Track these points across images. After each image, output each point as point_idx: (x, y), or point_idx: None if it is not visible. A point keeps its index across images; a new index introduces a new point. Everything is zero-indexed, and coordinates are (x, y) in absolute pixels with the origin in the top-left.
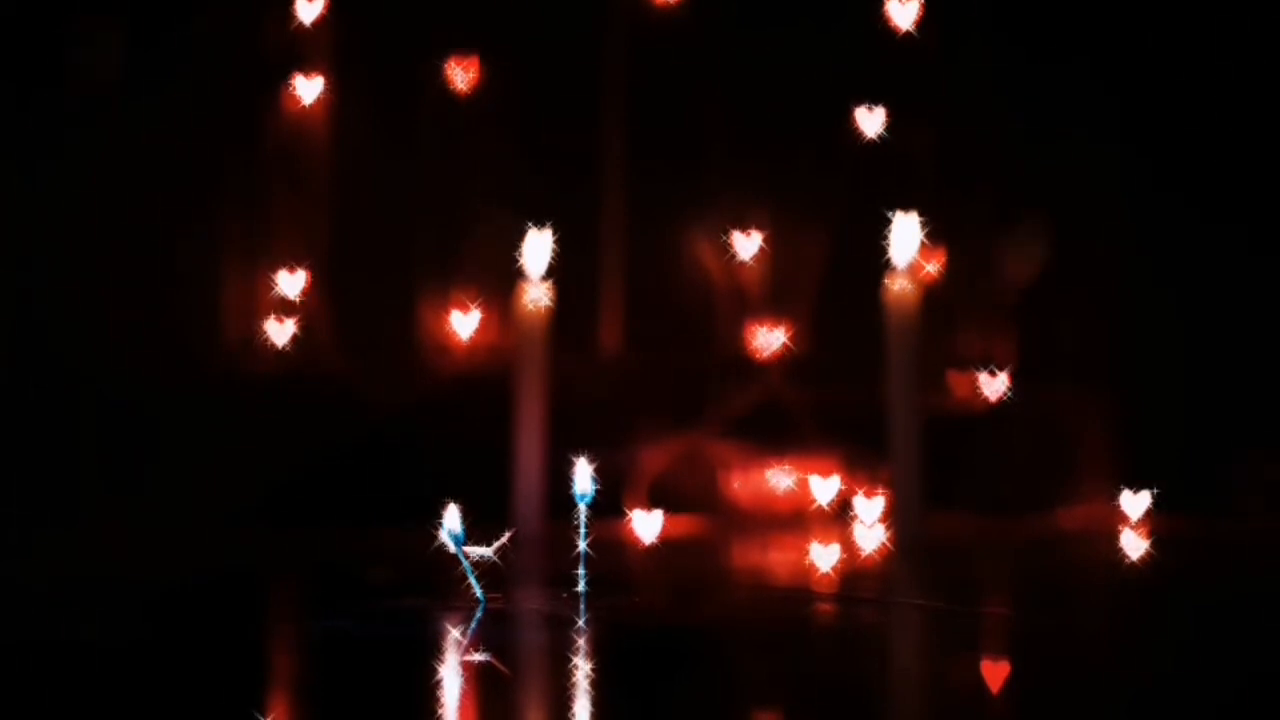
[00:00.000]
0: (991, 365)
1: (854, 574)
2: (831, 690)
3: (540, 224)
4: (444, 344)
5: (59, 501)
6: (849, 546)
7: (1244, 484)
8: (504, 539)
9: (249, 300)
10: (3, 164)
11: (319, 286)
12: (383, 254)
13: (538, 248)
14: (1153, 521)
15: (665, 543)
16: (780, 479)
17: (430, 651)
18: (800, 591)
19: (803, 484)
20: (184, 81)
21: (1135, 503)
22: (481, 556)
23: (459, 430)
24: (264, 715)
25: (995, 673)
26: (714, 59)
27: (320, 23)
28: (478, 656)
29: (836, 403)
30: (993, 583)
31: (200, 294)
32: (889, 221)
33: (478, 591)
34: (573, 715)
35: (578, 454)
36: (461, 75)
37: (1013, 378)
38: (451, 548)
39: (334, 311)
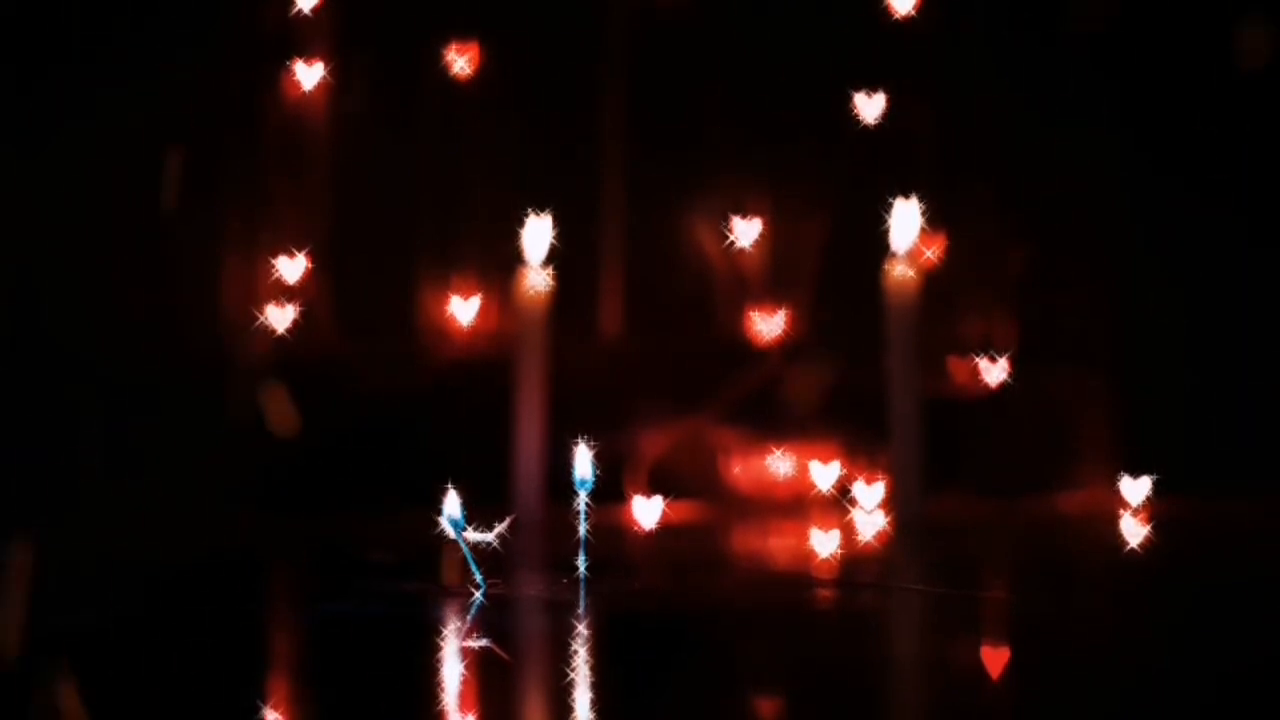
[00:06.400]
0: (992, 350)
1: (854, 559)
2: (831, 674)
3: (540, 210)
4: (444, 330)
5: (59, 485)
6: (849, 532)
7: (1244, 467)
8: (504, 524)
9: (249, 285)
10: (1, 147)
11: (319, 272)
12: (383, 240)
13: (538, 234)
14: (1153, 505)
15: (665, 528)
16: (780, 464)
17: (430, 636)
18: (800, 577)
19: (803, 469)
20: (184, 67)
21: (1135, 487)
22: (481, 542)
23: (459, 415)
24: (265, 697)
25: (995, 657)
26: (714, 44)
27: (320, 9)
28: (477, 642)
29: (837, 388)
30: (993, 567)
31: (200, 279)
32: (889, 207)
33: (478, 577)
34: (573, 700)
35: (578, 439)
36: (461, 61)
37: (1013, 362)
38: (451, 534)
39: (334, 297)
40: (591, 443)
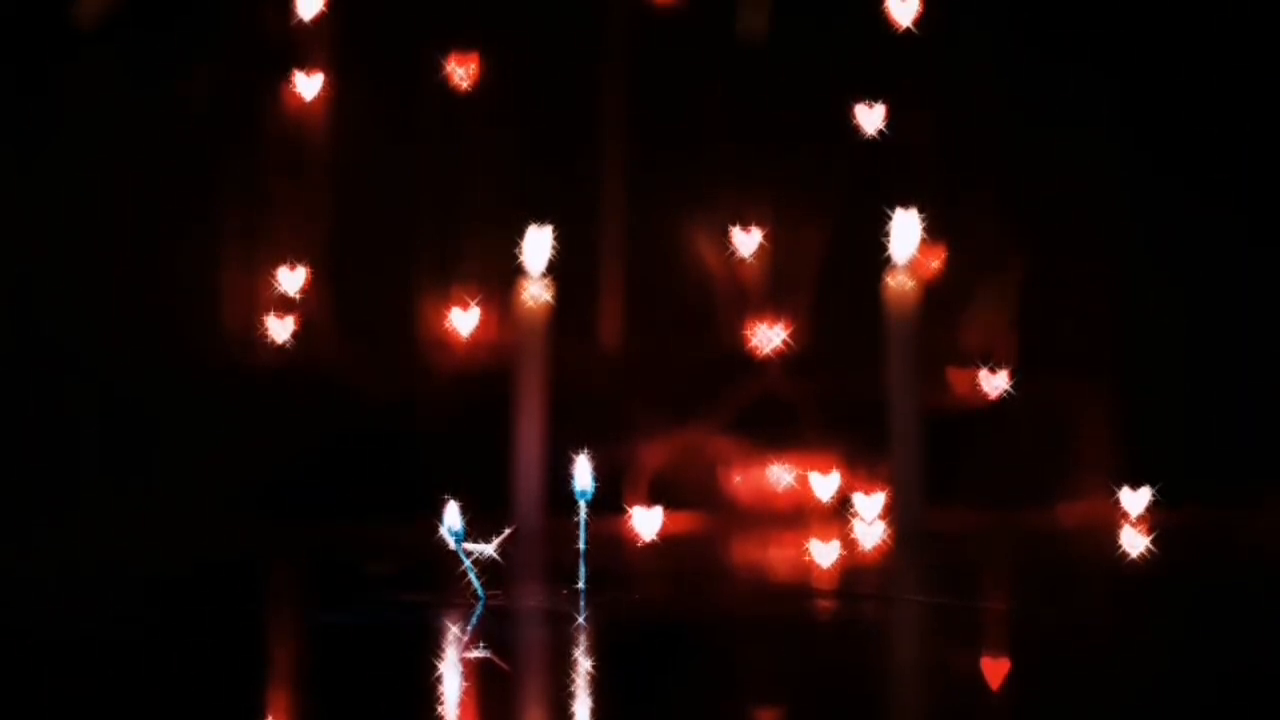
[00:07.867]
0: (992, 361)
1: (854, 570)
2: (831, 685)
3: (540, 220)
4: (444, 340)
5: (59, 491)
6: (849, 543)
7: (1245, 471)
8: (504, 535)
9: (249, 296)
10: (1, 153)
11: (319, 283)
12: (383, 251)
13: (538, 244)
14: (1154, 516)
15: (665, 539)
16: (780, 475)
17: (429, 646)
18: (800, 588)
19: (803, 480)
20: (184, 77)
21: (1136, 498)
22: (481, 553)
23: (459, 425)
24: (263, 704)
25: (995, 667)
26: (715, 54)
27: (320, 19)
28: (477, 652)
29: (837, 399)
30: (993, 578)
31: (201, 283)
32: (889, 218)
33: (477, 588)
34: (573, 712)
35: (578, 449)
36: (461, 72)
37: (1013, 373)
38: (451, 545)
39: (334, 308)
40: (591, 453)
